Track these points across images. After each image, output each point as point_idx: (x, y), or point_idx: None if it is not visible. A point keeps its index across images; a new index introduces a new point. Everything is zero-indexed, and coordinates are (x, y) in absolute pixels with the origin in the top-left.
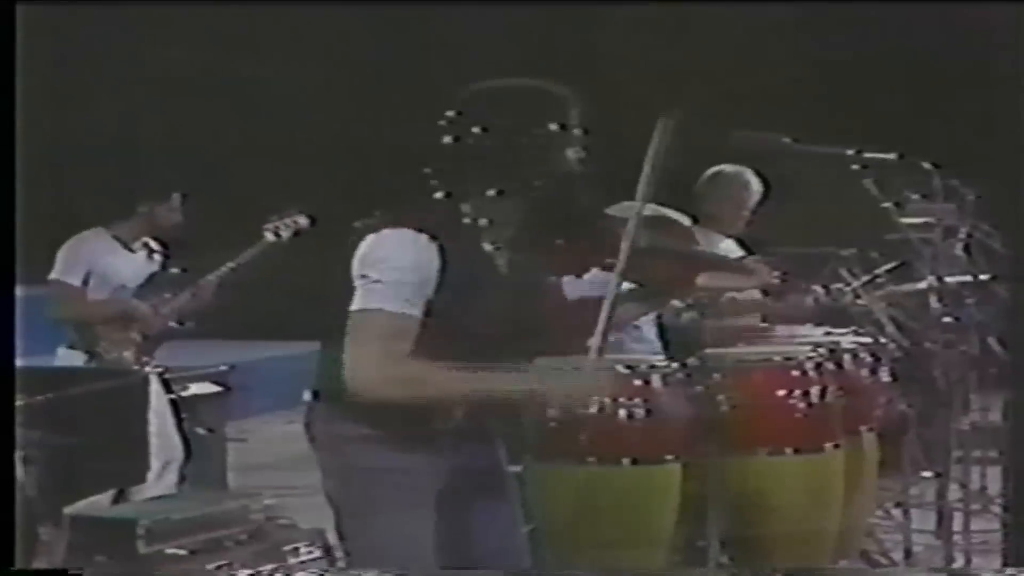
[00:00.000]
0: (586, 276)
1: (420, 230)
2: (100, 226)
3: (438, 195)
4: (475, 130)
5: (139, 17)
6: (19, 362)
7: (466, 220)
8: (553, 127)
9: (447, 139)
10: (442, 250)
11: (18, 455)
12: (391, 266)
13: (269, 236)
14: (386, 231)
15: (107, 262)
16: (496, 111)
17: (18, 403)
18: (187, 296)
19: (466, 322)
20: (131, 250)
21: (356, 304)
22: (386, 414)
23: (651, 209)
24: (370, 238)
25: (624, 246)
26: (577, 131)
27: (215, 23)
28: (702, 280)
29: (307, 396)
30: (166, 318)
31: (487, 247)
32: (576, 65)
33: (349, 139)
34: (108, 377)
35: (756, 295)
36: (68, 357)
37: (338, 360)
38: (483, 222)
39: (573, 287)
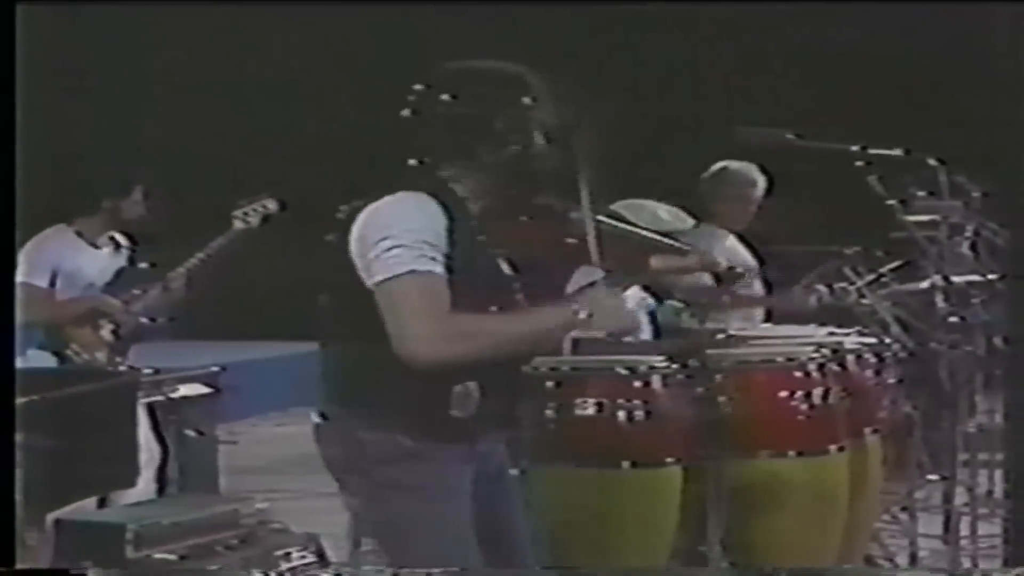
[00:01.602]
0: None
1: (425, 191)
2: (62, 223)
3: (411, 161)
4: (444, 97)
5: (103, 12)
6: None
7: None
8: (526, 100)
9: (406, 112)
10: (446, 207)
11: None
12: (403, 228)
13: (238, 223)
14: (385, 199)
15: (73, 260)
16: (465, 85)
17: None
18: (157, 291)
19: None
20: (96, 246)
21: (380, 274)
22: (404, 413)
23: (657, 212)
24: (368, 210)
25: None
26: (546, 113)
27: (183, 16)
28: (655, 263)
29: (315, 419)
30: (137, 314)
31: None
32: (571, 61)
33: (318, 127)
34: (93, 379)
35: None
36: (38, 359)
37: (348, 366)
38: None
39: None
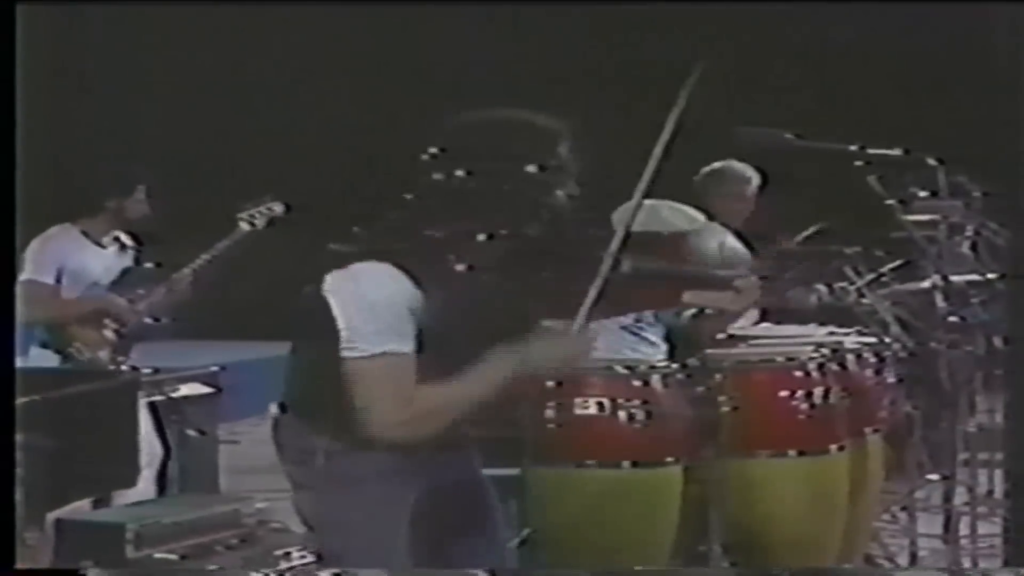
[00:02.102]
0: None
1: (393, 263)
2: (67, 222)
3: (427, 232)
4: (459, 172)
5: (103, 12)
6: None
7: (449, 259)
8: (532, 169)
9: (437, 176)
10: (416, 281)
11: None
12: (376, 306)
13: (243, 225)
14: (356, 267)
15: (78, 259)
16: (482, 149)
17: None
18: (162, 291)
19: (452, 357)
20: (101, 246)
21: (351, 351)
22: (353, 424)
23: (667, 206)
24: (341, 276)
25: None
26: (568, 168)
27: (185, 16)
28: (687, 297)
29: (273, 410)
30: (141, 314)
31: (468, 285)
32: (570, 62)
33: (322, 127)
34: (94, 378)
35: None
36: (41, 357)
37: (304, 367)
38: (461, 267)
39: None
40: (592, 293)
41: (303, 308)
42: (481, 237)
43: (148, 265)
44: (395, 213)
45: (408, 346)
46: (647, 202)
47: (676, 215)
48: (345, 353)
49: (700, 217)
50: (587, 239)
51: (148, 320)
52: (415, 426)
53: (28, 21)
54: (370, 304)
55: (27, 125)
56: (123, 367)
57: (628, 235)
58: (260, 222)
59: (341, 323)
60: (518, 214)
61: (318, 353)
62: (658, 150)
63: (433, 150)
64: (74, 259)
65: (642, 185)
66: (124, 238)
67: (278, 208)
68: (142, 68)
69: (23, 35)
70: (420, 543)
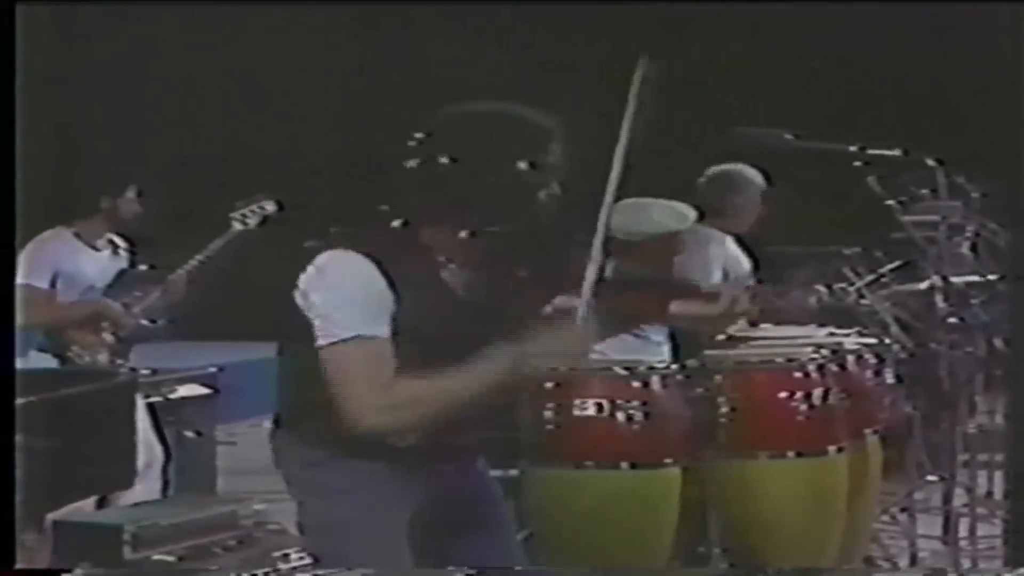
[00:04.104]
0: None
1: (361, 252)
2: (61, 225)
3: (395, 223)
4: (443, 160)
5: (104, 12)
6: None
7: (424, 248)
8: (523, 165)
9: (412, 163)
10: (384, 271)
11: None
12: (343, 291)
13: (236, 225)
14: (327, 255)
15: (73, 262)
16: (468, 139)
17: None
18: (158, 293)
19: (427, 348)
20: (95, 248)
21: (324, 338)
22: (348, 436)
23: (657, 205)
24: (312, 267)
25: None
26: (554, 165)
27: (183, 17)
28: (674, 308)
29: (267, 424)
30: (137, 317)
31: (445, 275)
32: (570, 62)
33: (317, 129)
34: (92, 380)
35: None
36: (39, 361)
37: (293, 374)
38: (441, 258)
39: None
40: (586, 290)
41: (287, 314)
42: (463, 234)
43: (142, 267)
44: (378, 204)
45: (380, 330)
46: (636, 201)
47: (666, 215)
48: (320, 342)
49: (691, 214)
50: (569, 240)
51: (144, 322)
52: (397, 414)
53: (28, 21)
54: (337, 291)
55: (27, 125)
56: (122, 369)
57: (608, 239)
58: (253, 221)
59: (312, 315)
60: (498, 209)
61: (305, 359)
62: (619, 154)
63: (419, 135)
64: (68, 263)
65: (611, 187)
66: (117, 240)
67: (270, 206)
68: (136, 69)
69: (23, 35)
70: (421, 553)
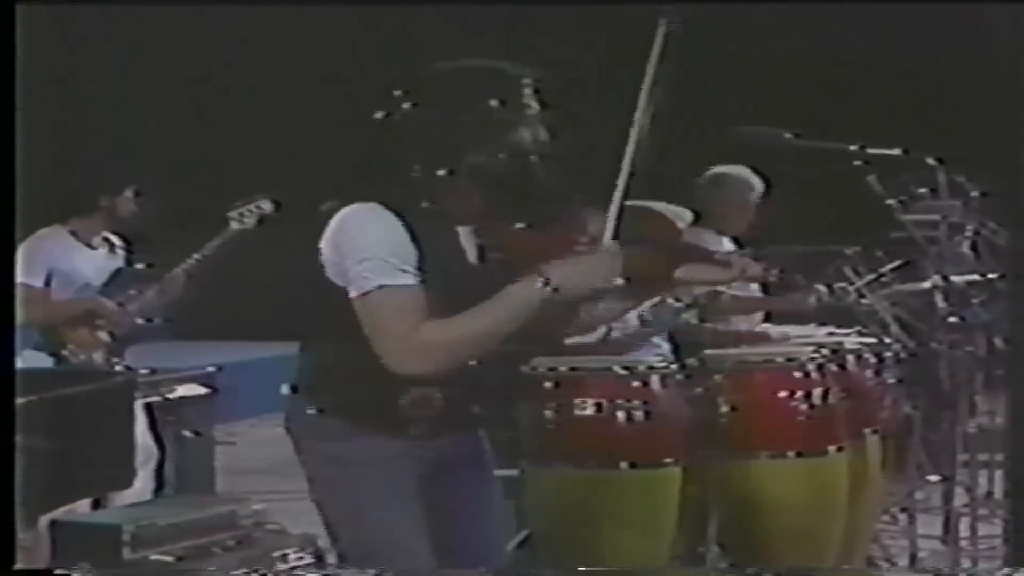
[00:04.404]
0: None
1: (377, 202)
2: (57, 223)
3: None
4: (405, 106)
5: (104, 12)
6: None
7: (424, 203)
8: (494, 103)
9: (378, 115)
10: (405, 222)
11: None
12: (370, 242)
13: (234, 224)
14: (347, 209)
15: (68, 261)
16: (443, 88)
17: None
18: (154, 292)
19: (452, 298)
20: (91, 247)
21: (355, 290)
22: (361, 406)
23: (652, 207)
24: (335, 220)
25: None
26: (533, 110)
27: (181, 20)
28: (680, 273)
29: (285, 389)
30: (133, 315)
31: (457, 229)
32: (569, 62)
33: (312, 131)
34: (90, 379)
35: (756, 291)
36: (34, 360)
37: (313, 355)
38: (427, 204)
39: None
40: (613, 210)
41: (304, 297)
42: (441, 172)
43: (139, 266)
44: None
45: (408, 279)
46: (632, 204)
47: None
48: (352, 294)
49: (686, 216)
50: (568, 197)
51: (140, 321)
52: (428, 357)
53: (28, 21)
54: (362, 241)
55: (26, 125)
56: (117, 368)
57: (617, 233)
58: (250, 220)
59: (339, 269)
60: (481, 146)
61: (329, 342)
62: (628, 157)
63: (397, 92)
64: (64, 261)
65: (628, 154)
66: (114, 239)
67: (267, 205)
68: (135, 69)
69: (23, 35)
70: (431, 521)
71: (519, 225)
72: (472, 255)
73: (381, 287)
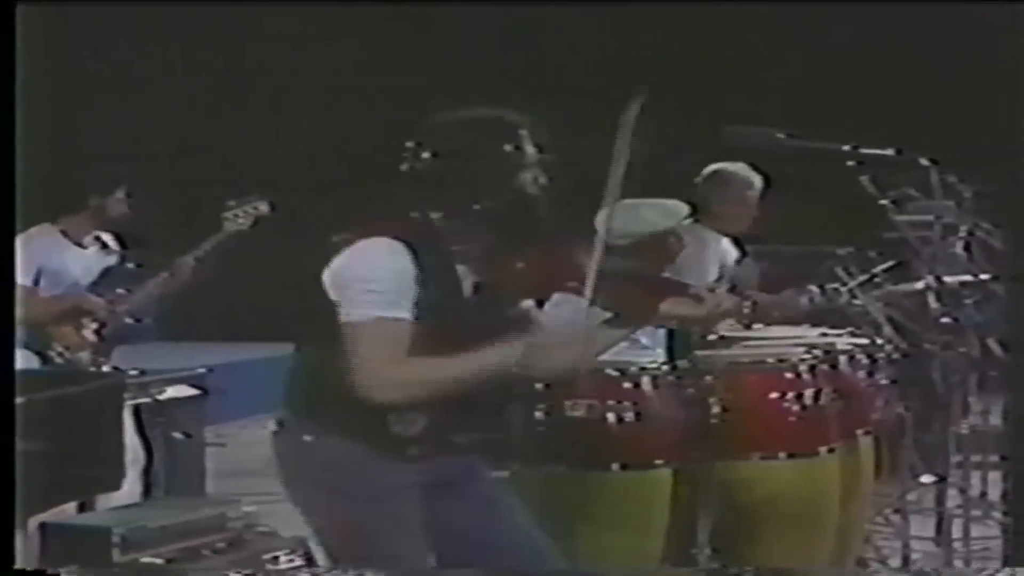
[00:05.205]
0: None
1: (394, 238)
2: (47, 222)
3: (414, 214)
4: (425, 155)
5: (104, 12)
6: None
7: (437, 243)
8: (508, 148)
9: (404, 167)
10: (416, 255)
11: None
12: (372, 275)
13: (229, 225)
14: (360, 243)
15: (58, 259)
16: (452, 138)
17: None
18: (143, 292)
19: (441, 335)
20: (81, 246)
21: (348, 315)
22: (353, 426)
23: (647, 204)
24: (344, 252)
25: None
26: (532, 153)
27: (178, 20)
28: (665, 307)
29: (272, 426)
30: (121, 314)
31: (459, 267)
32: (569, 62)
33: (309, 132)
34: (79, 380)
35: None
36: (20, 359)
37: (305, 369)
38: (439, 244)
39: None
40: (587, 293)
41: (297, 301)
42: (435, 215)
43: (129, 265)
44: (371, 204)
45: (402, 313)
46: (626, 202)
47: (656, 213)
48: (345, 319)
49: (682, 209)
50: (563, 234)
51: (129, 320)
52: (404, 390)
53: (28, 21)
54: (373, 274)
55: (26, 125)
56: (104, 368)
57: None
58: (245, 221)
59: (340, 295)
60: (485, 190)
61: (319, 353)
62: (602, 228)
63: (409, 144)
64: (53, 260)
65: (596, 253)
66: (105, 238)
67: (263, 207)
68: (134, 69)
69: (23, 35)
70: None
71: (519, 264)
72: (467, 288)
73: (378, 318)
